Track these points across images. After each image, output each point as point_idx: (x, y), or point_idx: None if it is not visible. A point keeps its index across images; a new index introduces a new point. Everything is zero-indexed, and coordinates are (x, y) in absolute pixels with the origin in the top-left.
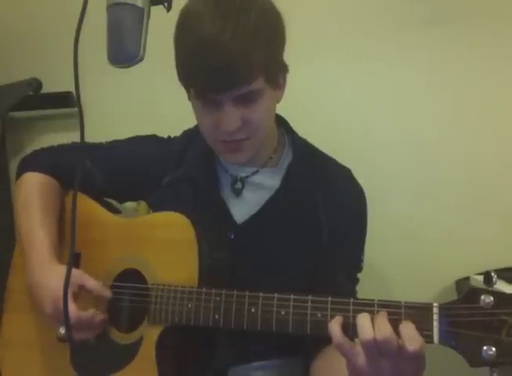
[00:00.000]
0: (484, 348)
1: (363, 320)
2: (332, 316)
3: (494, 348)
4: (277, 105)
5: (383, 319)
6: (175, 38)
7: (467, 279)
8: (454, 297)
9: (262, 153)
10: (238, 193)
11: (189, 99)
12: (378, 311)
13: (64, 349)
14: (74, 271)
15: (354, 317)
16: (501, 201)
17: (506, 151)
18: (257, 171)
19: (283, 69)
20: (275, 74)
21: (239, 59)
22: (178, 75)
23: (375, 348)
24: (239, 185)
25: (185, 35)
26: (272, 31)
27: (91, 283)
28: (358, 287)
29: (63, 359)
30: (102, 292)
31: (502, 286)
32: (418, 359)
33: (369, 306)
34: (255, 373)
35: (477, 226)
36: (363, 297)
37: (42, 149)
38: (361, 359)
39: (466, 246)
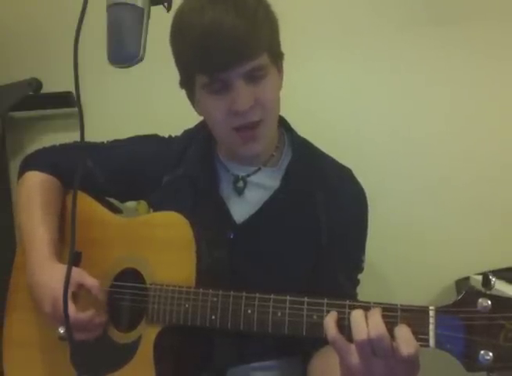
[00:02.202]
0: (481, 352)
1: (357, 318)
2: None
3: (491, 353)
4: None
5: (377, 318)
6: (174, 36)
7: (467, 279)
8: (454, 297)
9: (265, 149)
10: (240, 192)
11: (193, 102)
12: None
13: (65, 348)
14: (74, 269)
15: (349, 319)
16: (501, 201)
17: (506, 151)
18: (259, 169)
19: (281, 54)
20: (277, 52)
21: (247, 34)
22: (183, 68)
23: (368, 347)
24: (241, 184)
25: (188, 27)
26: (270, 12)
27: (90, 281)
28: (358, 288)
29: (63, 358)
30: (98, 294)
31: (502, 286)
32: (412, 362)
33: (365, 309)
34: (254, 373)
35: (477, 226)
36: (363, 297)
37: (44, 148)
38: (354, 359)
39: (466, 246)
